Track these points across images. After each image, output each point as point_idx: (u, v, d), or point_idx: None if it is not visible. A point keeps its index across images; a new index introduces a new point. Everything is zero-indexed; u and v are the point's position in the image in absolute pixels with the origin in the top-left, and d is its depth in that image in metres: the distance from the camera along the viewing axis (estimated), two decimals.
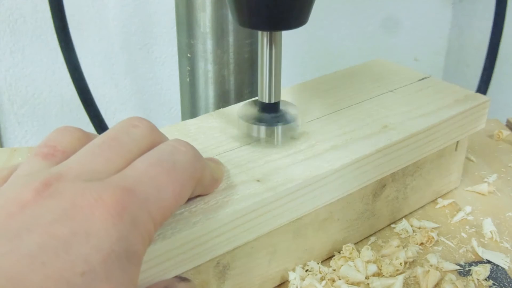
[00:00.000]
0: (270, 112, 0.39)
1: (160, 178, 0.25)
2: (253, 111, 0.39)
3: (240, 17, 0.35)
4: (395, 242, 0.41)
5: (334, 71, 0.52)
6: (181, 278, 0.29)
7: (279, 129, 0.37)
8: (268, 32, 0.36)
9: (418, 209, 0.47)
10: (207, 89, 0.57)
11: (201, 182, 0.30)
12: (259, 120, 0.38)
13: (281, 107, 0.39)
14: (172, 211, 0.26)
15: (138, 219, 0.23)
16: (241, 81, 0.56)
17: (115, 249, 0.22)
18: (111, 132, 0.28)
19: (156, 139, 0.29)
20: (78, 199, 0.22)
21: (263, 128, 0.37)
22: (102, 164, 0.25)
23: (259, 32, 0.36)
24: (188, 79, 0.58)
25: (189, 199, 0.31)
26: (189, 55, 0.56)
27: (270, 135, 0.38)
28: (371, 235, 0.44)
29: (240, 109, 0.40)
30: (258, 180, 0.34)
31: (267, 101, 0.38)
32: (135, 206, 0.23)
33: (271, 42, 0.36)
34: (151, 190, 0.24)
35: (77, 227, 0.21)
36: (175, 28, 0.57)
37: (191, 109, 0.60)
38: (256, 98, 0.40)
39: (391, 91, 0.47)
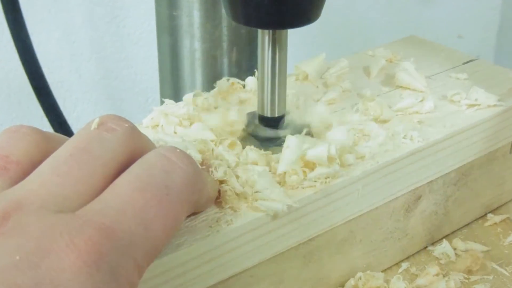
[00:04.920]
0: (273, 128, 0.39)
1: (149, 210, 0.25)
2: (252, 126, 0.39)
3: (234, 12, 0.35)
4: (433, 269, 0.42)
5: (356, 52, 0.52)
6: None
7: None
8: (271, 31, 0.36)
9: (463, 227, 0.47)
10: (193, 73, 0.57)
11: (196, 204, 0.30)
12: (258, 140, 0.38)
13: (287, 119, 0.39)
14: (161, 249, 0.26)
15: (119, 268, 0.23)
16: (237, 63, 0.56)
17: None
18: (79, 139, 0.27)
19: (137, 145, 0.28)
20: (44, 241, 0.22)
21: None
22: (71, 187, 0.25)
23: (259, 31, 0.36)
24: (169, 61, 0.58)
25: None
26: (171, 30, 0.56)
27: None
28: (402, 260, 0.44)
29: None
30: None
31: (269, 115, 0.39)
32: (115, 252, 0.23)
33: (274, 43, 0.36)
34: (137, 228, 0.24)
35: (42, 276, 0.21)
36: None
37: (173, 98, 0.60)
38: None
39: (428, 77, 0.47)
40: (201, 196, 0.30)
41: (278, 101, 0.38)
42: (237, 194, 0.33)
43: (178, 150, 0.28)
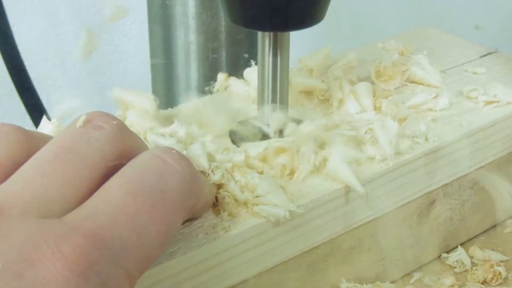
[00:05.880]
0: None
1: (142, 216, 0.25)
2: (250, 134, 0.39)
3: (233, 12, 0.35)
4: (448, 280, 0.42)
5: (365, 44, 0.52)
6: None
7: None
8: (271, 34, 0.36)
9: (480, 234, 0.47)
10: (188, 68, 0.57)
11: (192, 209, 0.30)
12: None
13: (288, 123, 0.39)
14: (155, 258, 0.26)
15: (109, 278, 0.23)
16: (235, 56, 0.57)
17: None
18: (64, 138, 0.27)
19: (127, 144, 0.28)
20: (28, 249, 0.22)
21: None
22: (57, 189, 0.25)
23: (259, 33, 0.36)
24: (162, 54, 0.58)
25: None
26: (163, 20, 0.56)
27: None
28: (415, 270, 0.44)
29: (232, 131, 0.40)
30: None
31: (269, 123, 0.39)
32: (106, 261, 0.23)
33: (275, 47, 0.36)
34: (129, 235, 0.24)
35: (26, 287, 0.21)
36: None
37: (166, 95, 0.60)
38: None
39: (443, 71, 0.47)
40: (198, 200, 0.30)
41: (279, 108, 0.38)
42: (236, 200, 0.33)
43: (174, 151, 0.28)
